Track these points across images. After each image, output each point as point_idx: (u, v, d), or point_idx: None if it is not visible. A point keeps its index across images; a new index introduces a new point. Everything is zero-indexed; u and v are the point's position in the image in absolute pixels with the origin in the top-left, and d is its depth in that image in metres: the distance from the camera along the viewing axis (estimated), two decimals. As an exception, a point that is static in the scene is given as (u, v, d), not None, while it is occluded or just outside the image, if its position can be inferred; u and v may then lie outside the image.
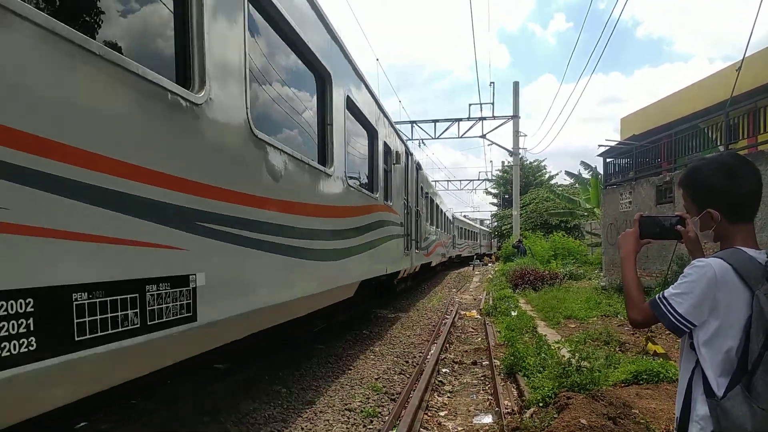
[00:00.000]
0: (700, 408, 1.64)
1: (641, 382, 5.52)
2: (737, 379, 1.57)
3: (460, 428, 5.08)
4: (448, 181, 57.03)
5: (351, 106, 6.80)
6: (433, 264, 20.74)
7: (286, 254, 4.38)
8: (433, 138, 31.03)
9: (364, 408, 5.39)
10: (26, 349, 1.99)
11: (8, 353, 1.92)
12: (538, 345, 7.25)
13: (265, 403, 5.51)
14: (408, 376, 6.75)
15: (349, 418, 5.13)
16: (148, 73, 2.64)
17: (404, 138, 12.12)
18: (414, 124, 31.07)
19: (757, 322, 1.55)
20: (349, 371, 6.99)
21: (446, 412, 5.57)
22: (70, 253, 2.20)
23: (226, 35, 3.48)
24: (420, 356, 7.85)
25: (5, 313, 1.91)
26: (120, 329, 2.47)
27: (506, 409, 5.37)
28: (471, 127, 30.34)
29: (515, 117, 30.10)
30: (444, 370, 7.21)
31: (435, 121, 30.81)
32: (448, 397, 6.11)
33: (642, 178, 14.13)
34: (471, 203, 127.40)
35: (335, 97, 6.01)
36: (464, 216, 54.01)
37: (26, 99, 2.02)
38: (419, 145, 33.74)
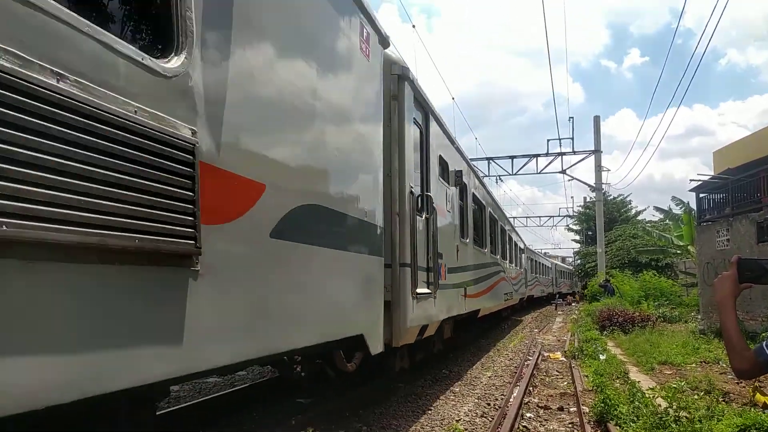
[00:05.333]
0: None
1: (750, 437, 5.05)
2: None
3: (547, 477, 4.84)
4: (526, 217, 55.70)
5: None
6: (536, 296, 33.39)
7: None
8: (510, 174, 30.74)
9: (445, 451, 5.26)
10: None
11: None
12: (630, 392, 6.83)
13: (347, 441, 5.52)
14: (490, 419, 6.54)
15: (430, 461, 5.03)
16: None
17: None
18: (490, 161, 30.92)
19: None
20: (429, 411, 6.88)
21: (532, 459, 5.33)
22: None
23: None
24: (502, 398, 7.60)
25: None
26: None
27: (597, 459, 5.07)
28: (550, 162, 29.83)
29: (597, 151, 29.25)
30: (528, 415, 6.93)
31: (512, 158, 30.54)
32: (534, 443, 5.85)
33: (740, 215, 13.22)
34: (551, 240, 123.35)
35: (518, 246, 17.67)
36: (545, 253, 52.44)
37: None
38: (496, 182, 33.49)
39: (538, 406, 7.44)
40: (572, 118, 29.86)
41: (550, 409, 7.30)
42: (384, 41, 5.58)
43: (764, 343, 1.62)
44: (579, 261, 56.35)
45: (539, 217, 56.38)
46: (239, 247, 2.98)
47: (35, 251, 1.82)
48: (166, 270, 2.40)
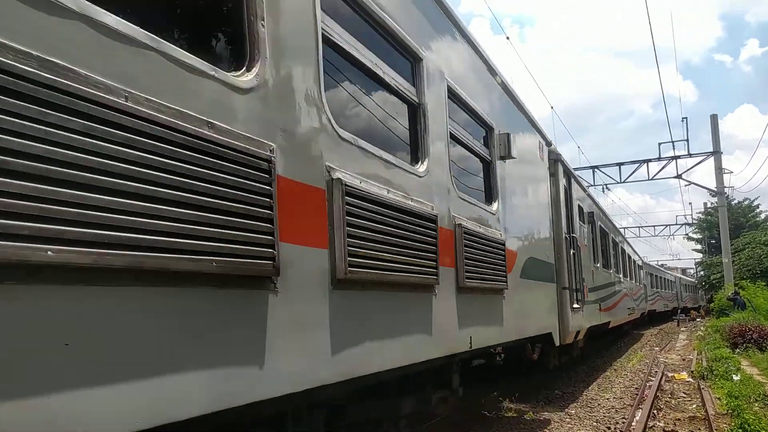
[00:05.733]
0: None
1: None
2: None
3: None
4: (638, 227, 52.17)
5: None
6: (657, 310, 34.42)
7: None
8: (618, 182, 29.09)
9: (564, 476, 5.02)
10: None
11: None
12: (773, 417, 6.15)
13: (459, 463, 5.44)
14: (611, 444, 6.16)
15: (548, 486, 4.84)
16: None
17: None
18: (596, 169, 29.48)
19: None
20: (544, 435, 6.61)
21: (661, 488, 4.95)
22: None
23: None
24: (623, 422, 7.14)
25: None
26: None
27: (738, 491, 4.60)
28: (663, 167, 27.83)
29: (716, 153, 26.91)
30: (654, 440, 6.45)
31: (620, 164, 28.91)
32: (662, 471, 5.43)
33: None
34: (669, 250, 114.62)
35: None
36: (661, 265, 48.99)
37: None
38: (602, 191, 31.75)
39: (664, 430, 6.92)
40: (685, 118, 27.74)
41: (679, 434, 6.75)
42: (548, 143, 8.56)
43: None
44: (702, 272, 51.88)
45: (653, 226, 52.61)
46: (513, 283, 5.76)
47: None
48: (499, 295, 5.38)
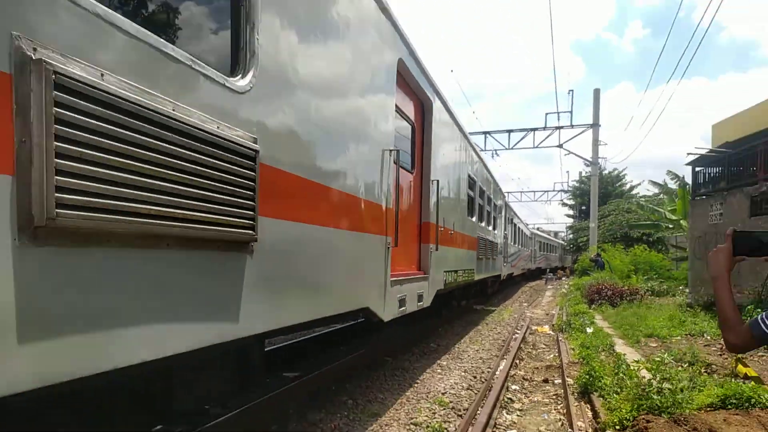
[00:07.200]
0: None
1: (729, 407, 5.10)
2: None
3: (528, 448, 4.90)
4: (520, 192, 55.68)
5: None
6: (542, 267, 43.77)
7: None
8: (506, 148, 30.57)
9: (429, 423, 5.30)
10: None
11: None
12: (615, 364, 6.88)
13: (332, 413, 5.55)
14: (476, 391, 6.59)
15: (413, 432, 5.09)
16: None
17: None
18: (487, 135, 30.72)
19: None
20: (416, 384, 6.92)
21: (515, 431, 5.38)
22: None
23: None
24: (489, 371, 7.67)
25: None
26: None
27: (580, 430, 5.12)
28: (547, 136, 29.61)
29: (595, 125, 29.01)
30: (514, 387, 6.99)
31: (509, 131, 30.35)
32: (518, 415, 5.91)
33: (735, 189, 13.18)
34: (545, 215, 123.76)
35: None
36: (538, 229, 52.93)
37: None
38: (492, 156, 33.27)
39: (523, 378, 7.51)
40: (572, 90, 29.45)
41: (535, 381, 7.37)
42: (504, 195, 19.70)
43: (759, 317, 1.58)
44: (571, 235, 56.68)
45: (533, 191, 56.38)
46: (498, 257, 16.12)
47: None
48: (498, 258, 16.26)
